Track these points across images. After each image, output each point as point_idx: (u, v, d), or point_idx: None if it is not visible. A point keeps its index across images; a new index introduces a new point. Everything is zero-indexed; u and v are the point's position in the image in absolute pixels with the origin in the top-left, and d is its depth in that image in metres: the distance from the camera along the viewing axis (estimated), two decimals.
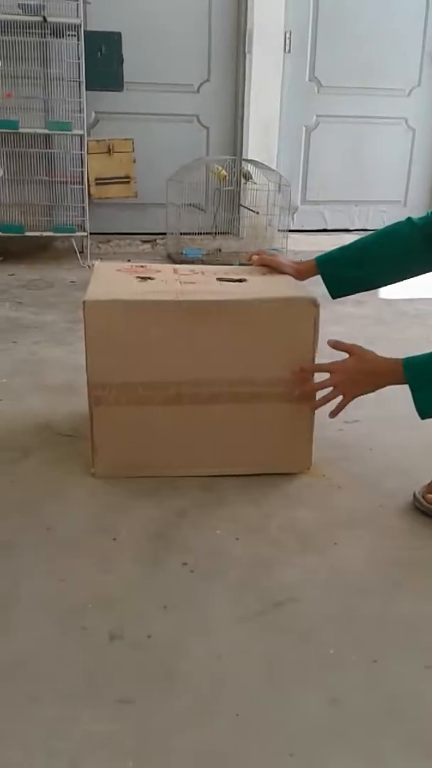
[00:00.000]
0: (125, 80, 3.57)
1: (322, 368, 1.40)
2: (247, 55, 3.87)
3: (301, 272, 1.56)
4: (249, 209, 3.92)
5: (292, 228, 4.04)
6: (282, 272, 1.58)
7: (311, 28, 3.97)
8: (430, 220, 1.46)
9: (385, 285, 1.55)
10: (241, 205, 3.97)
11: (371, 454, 1.64)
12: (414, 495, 1.43)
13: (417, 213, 4.36)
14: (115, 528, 1.33)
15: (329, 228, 4.29)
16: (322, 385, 1.39)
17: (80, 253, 3.72)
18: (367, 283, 1.55)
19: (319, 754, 0.88)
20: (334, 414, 1.40)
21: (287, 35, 3.91)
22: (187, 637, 1.07)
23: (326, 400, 1.40)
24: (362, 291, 1.58)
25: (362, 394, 1.36)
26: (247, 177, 3.85)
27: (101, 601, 1.14)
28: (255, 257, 1.63)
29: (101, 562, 1.23)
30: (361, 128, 4.18)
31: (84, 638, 1.06)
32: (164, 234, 3.91)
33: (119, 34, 3.50)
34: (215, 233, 3.94)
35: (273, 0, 3.81)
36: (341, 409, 1.39)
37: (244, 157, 3.93)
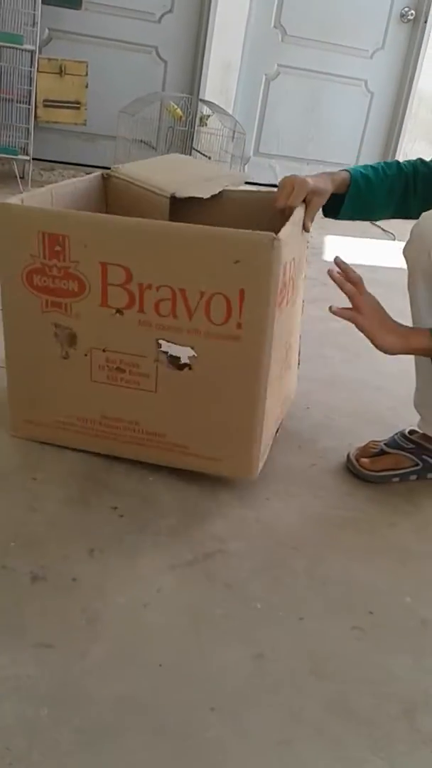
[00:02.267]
0: None
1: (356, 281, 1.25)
2: None
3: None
4: (201, 153, 3.80)
5: None
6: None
7: None
8: None
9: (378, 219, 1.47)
10: (193, 149, 3.84)
11: (308, 413, 1.63)
12: (348, 456, 1.43)
13: None
14: (42, 467, 1.27)
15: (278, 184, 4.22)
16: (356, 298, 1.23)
17: (20, 178, 3.53)
18: (369, 214, 1.43)
19: (240, 710, 0.87)
20: (340, 313, 1.23)
21: None
22: (112, 582, 1.03)
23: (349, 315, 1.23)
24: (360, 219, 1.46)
25: (376, 340, 1.21)
26: (203, 121, 3.72)
27: (25, 540, 1.09)
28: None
29: (27, 500, 1.18)
30: (320, 84, 4.09)
31: (4, 578, 1.01)
32: (110, 168, 3.75)
33: None
34: None
35: None
36: (348, 318, 1.23)
37: (200, 97, 3.79)
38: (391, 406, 1.68)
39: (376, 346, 1.21)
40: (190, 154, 3.84)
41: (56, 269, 1.17)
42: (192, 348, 1.18)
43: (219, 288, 1.11)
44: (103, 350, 1.22)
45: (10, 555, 1.05)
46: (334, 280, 1.23)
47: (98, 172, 1.51)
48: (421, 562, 1.20)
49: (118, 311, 1.17)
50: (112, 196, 1.49)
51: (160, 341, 1.18)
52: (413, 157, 1.42)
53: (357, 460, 1.40)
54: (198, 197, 1.38)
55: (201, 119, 3.70)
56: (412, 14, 4.04)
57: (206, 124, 3.71)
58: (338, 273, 1.24)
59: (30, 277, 1.19)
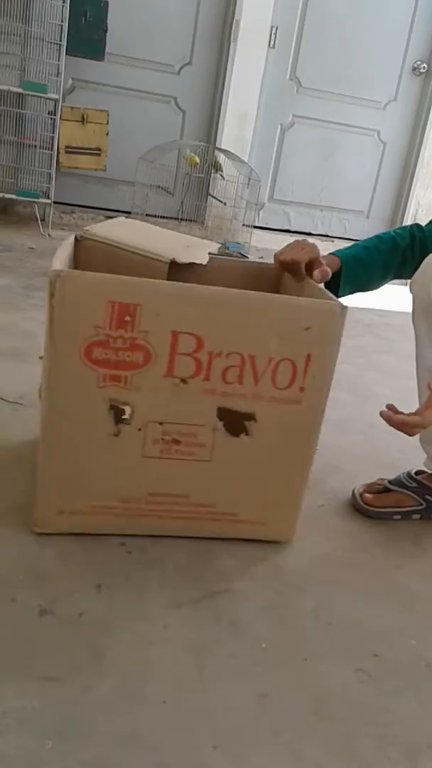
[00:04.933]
0: (107, 50, 3.49)
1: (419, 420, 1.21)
2: (232, 44, 3.84)
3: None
4: (216, 199, 3.90)
5: (256, 224, 4.03)
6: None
7: (297, 27, 3.97)
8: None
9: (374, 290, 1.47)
10: (210, 195, 3.94)
11: (318, 454, 1.64)
12: (353, 492, 1.45)
13: (378, 226, 4.45)
14: None
15: (292, 229, 4.30)
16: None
17: (41, 220, 3.62)
18: (367, 288, 1.44)
19: (242, 749, 0.87)
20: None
21: (273, 30, 3.90)
22: (119, 618, 1.04)
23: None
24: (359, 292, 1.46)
25: None
26: (218, 168, 3.82)
27: (34, 574, 1.10)
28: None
29: (37, 535, 1.20)
30: (334, 134, 4.20)
31: (13, 611, 1.02)
32: (129, 213, 3.84)
33: (106, 2, 3.41)
34: (180, 219, 3.90)
35: None
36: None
37: (217, 145, 3.90)
38: (401, 449, 1.69)
39: None
40: (206, 200, 3.94)
41: (122, 340, 1.08)
42: (254, 413, 1.18)
43: (288, 354, 1.14)
44: (160, 423, 1.15)
45: (19, 588, 1.06)
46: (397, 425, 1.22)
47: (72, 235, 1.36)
48: (426, 605, 1.20)
49: (183, 381, 1.13)
50: (83, 258, 1.35)
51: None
52: (425, 206, 1.46)
53: (361, 496, 1.42)
54: (198, 263, 1.33)
55: (215, 165, 3.80)
56: (424, 68, 4.16)
57: (221, 170, 3.80)
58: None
59: (90, 350, 1.08)
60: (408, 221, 4.33)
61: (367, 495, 1.43)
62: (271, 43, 3.93)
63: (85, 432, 1.14)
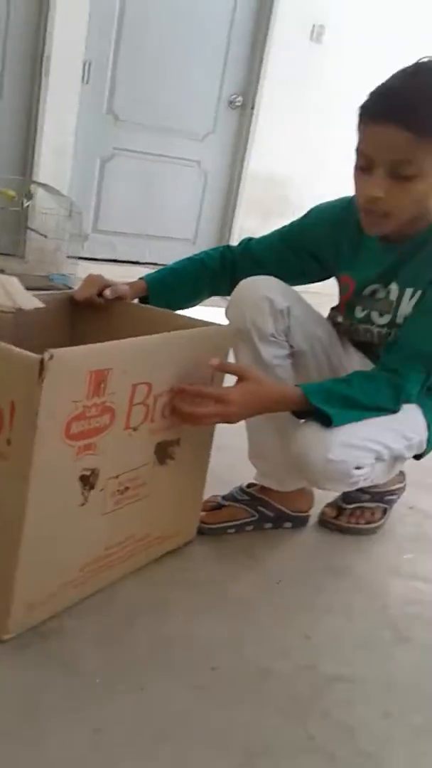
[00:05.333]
0: None
1: (218, 396, 1.17)
2: (44, 79, 3.81)
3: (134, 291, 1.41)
4: (36, 232, 3.82)
5: (82, 255, 3.99)
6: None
7: (112, 62, 4.01)
8: (244, 252, 1.48)
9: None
10: (28, 228, 3.85)
11: None
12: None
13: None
14: None
15: (119, 259, 4.31)
16: (212, 416, 1.18)
17: None
18: (180, 307, 1.46)
19: None
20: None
21: (86, 65, 3.92)
22: None
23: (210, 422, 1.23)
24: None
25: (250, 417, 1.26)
26: (29, 197, 3.75)
27: None
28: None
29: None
30: (156, 166, 4.27)
31: None
32: None
33: None
34: None
35: (73, 28, 3.79)
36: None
37: (34, 179, 3.83)
38: (230, 464, 1.69)
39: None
40: (25, 234, 3.85)
41: (95, 408, 1.02)
42: (179, 438, 1.22)
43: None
44: (117, 476, 1.12)
45: None
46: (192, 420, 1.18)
47: None
48: (260, 613, 1.22)
49: (134, 429, 1.11)
50: None
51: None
52: (248, 232, 1.52)
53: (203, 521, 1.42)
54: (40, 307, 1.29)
55: (26, 194, 3.72)
56: (239, 101, 4.35)
57: (31, 199, 3.73)
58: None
59: (69, 426, 0.98)
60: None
61: (201, 513, 1.43)
62: (85, 78, 3.94)
63: (61, 509, 1.04)
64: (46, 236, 3.79)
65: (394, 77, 1.17)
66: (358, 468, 1.24)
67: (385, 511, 1.57)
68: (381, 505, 1.56)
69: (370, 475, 1.28)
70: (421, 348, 1.26)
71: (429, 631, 1.22)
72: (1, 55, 3.75)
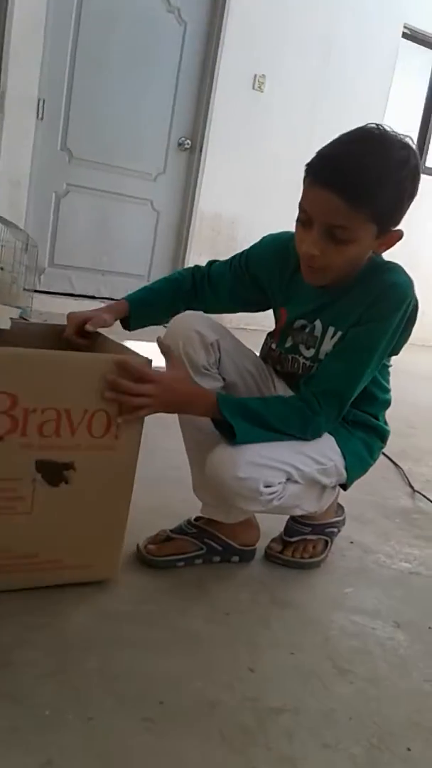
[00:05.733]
0: None
1: (147, 373, 1.22)
2: None
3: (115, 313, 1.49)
4: None
5: (38, 288, 4.02)
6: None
7: (65, 100, 4.09)
8: (205, 276, 1.56)
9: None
10: None
11: None
12: (137, 546, 1.47)
13: None
14: None
15: (76, 293, 4.34)
16: (141, 390, 1.21)
17: None
18: (158, 324, 1.57)
19: None
20: (123, 416, 1.23)
21: (40, 102, 3.99)
22: None
23: (133, 409, 1.23)
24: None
25: (165, 412, 1.29)
26: None
27: None
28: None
29: None
30: (109, 203, 4.35)
31: None
32: None
33: None
34: None
35: (28, 65, 3.87)
36: (136, 417, 1.24)
37: None
38: (184, 498, 1.73)
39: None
40: None
41: None
42: (72, 462, 1.23)
43: (101, 405, 1.21)
44: None
45: None
46: (111, 384, 1.20)
47: None
48: (209, 646, 1.25)
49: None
50: None
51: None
52: None
53: (145, 548, 1.45)
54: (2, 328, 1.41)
55: None
56: (188, 143, 4.48)
57: None
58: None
59: None
60: None
61: (150, 546, 1.46)
62: (39, 114, 4.01)
63: None
64: (2, 269, 3.80)
65: (339, 142, 1.24)
66: (267, 486, 1.29)
67: (326, 544, 1.63)
68: (322, 537, 1.62)
69: (282, 494, 1.33)
70: (336, 387, 1.34)
71: (368, 663, 1.27)
72: None
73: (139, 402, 1.21)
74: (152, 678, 1.13)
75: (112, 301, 1.52)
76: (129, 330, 1.54)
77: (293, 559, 1.57)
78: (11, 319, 1.43)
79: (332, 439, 1.40)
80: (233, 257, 1.55)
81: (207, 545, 1.49)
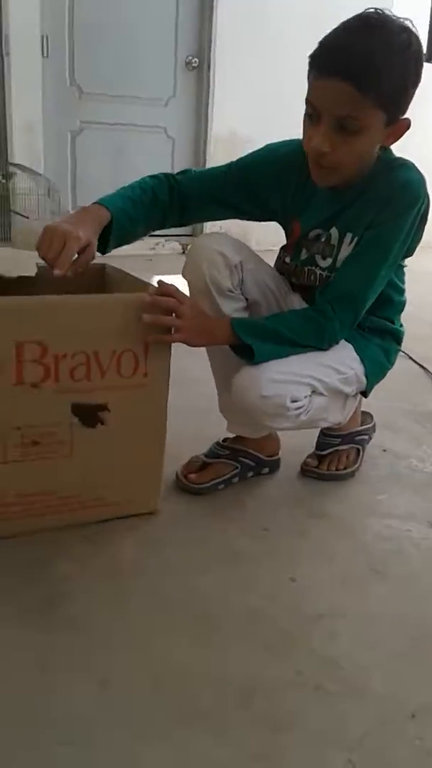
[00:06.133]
0: None
1: (178, 295, 1.22)
2: (5, 58, 3.80)
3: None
4: (19, 214, 3.85)
5: None
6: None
7: (68, 35, 3.99)
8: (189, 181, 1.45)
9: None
10: (12, 211, 3.88)
11: None
12: (176, 474, 1.53)
13: None
14: None
15: None
16: (171, 322, 1.22)
17: None
18: (129, 242, 1.40)
19: (88, 736, 0.91)
20: (155, 340, 1.24)
21: (44, 39, 3.90)
22: None
23: (168, 340, 1.25)
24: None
25: (191, 342, 1.29)
26: (7, 177, 3.78)
27: None
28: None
29: None
30: (124, 135, 4.28)
31: None
32: None
33: None
34: None
35: (28, 3, 3.77)
36: (169, 341, 1.25)
37: (9, 160, 3.85)
38: (216, 423, 1.76)
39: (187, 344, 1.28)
40: (9, 217, 3.88)
41: None
42: (105, 403, 1.27)
43: (127, 346, 1.24)
44: (18, 428, 1.23)
45: None
46: (151, 304, 1.21)
47: None
48: (251, 560, 1.31)
49: (33, 386, 1.20)
50: None
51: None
52: None
53: (185, 477, 1.51)
54: (27, 275, 1.41)
55: (4, 175, 3.76)
56: (196, 62, 4.33)
57: (10, 179, 3.76)
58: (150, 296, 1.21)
59: None
60: None
61: (191, 475, 1.52)
62: (44, 52, 3.92)
63: None
64: (27, 217, 3.83)
65: (340, 30, 1.20)
66: (294, 401, 1.32)
67: (358, 452, 1.66)
68: (353, 446, 1.65)
69: (309, 407, 1.35)
70: (351, 290, 1.33)
71: (403, 565, 1.32)
72: None
73: (171, 322, 1.22)
74: (198, 595, 1.20)
75: (82, 207, 1.32)
76: (104, 253, 1.34)
77: (328, 471, 1.61)
78: (37, 264, 1.41)
79: (350, 346, 1.42)
80: (220, 166, 1.47)
81: (241, 462, 1.54)
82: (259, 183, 1.45)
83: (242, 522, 1.43)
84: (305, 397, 1.34)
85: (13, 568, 1.24)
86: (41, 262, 1.29)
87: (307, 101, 1.24)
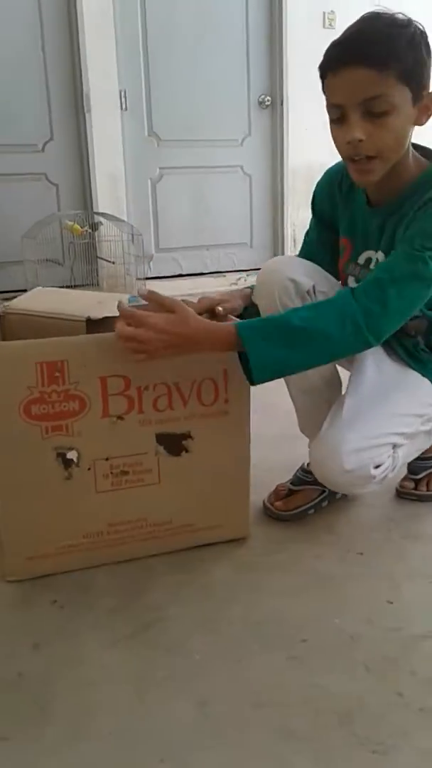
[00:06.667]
0: None
1: (136, 316, 1.15)
2: (87, 114, 4.00)
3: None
4: (105, 260, 4.01)
5: (149, 275, 4.15)
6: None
7: (144, 87, 4.17)
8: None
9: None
10: (99, 257, 4.05)
11: None
12: (263, 503, 1.53)
13: (262, 252, 4.57)
14: None
15: (184, 272, 4.45)
16: (135, 335, 1.14)
17: None
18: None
19: (188, 754, 0.93)
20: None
21: (122, 94, 4.09)
22: (58, 669, 1.09)
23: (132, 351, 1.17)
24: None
25: (171, 356, 1.19)
26: (94, 228, 3.94)
27: None
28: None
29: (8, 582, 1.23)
30: (201, 177, 4.39)
31: None
32: (24, 290, 3.90)
33: None
34: (73, 286, 3.99)
35: (106, 61, 3.97)
36: (155, 354, 1.16)
37: (95, 210, 4.03)
38: (303, 453, 1.76)
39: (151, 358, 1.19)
40: (96, 263, 4.05)
41: (56, 394, 1.21)
42: (189, 432, 1.31)
43: (207, 374, 1.29)
44: (107, 459, 1.28)
45: None
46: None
47: None
48: (346, 584, 1.29)
49: (119, 418, 1.26)
50: (11, 331, 1.47)
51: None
52: (299, 224, 1.58)
53: (272, 505, 1.51)
54: (112, 317, 1.41)
55: (92, 226, 3.92)
56: (268, 100, 4.42)
57: (97, 230, 3.93)
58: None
59: (28, 408, 1.21)
60: (287, 241, 4.55)
61: (277, 503, 1.52)
62: (123, 106, 4.11)
63: (39, 481, 1.26)
64: (113, 262, 3.98)
65: (345, 31, 1.21)
66: (377, 467, 1.28)
67: None
68: None
69: (394, 463, 1.32)
70: (379, 275, 1.21)
71: None
72: (47, 102, 3.97)
73: (136, 347, 1.15)
74: (293, 619, 1.19)
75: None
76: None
77: (428, 492, 1.57)
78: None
79: (427, 381, 1.36)
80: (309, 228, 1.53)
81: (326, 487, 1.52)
82: (323, 208, 1.48)
83: (335, 546, 1.41)
84: (387, 457, 1.30)
85: (108, 596, 1.27)
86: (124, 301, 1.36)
87: (329, 107, 1.22)
